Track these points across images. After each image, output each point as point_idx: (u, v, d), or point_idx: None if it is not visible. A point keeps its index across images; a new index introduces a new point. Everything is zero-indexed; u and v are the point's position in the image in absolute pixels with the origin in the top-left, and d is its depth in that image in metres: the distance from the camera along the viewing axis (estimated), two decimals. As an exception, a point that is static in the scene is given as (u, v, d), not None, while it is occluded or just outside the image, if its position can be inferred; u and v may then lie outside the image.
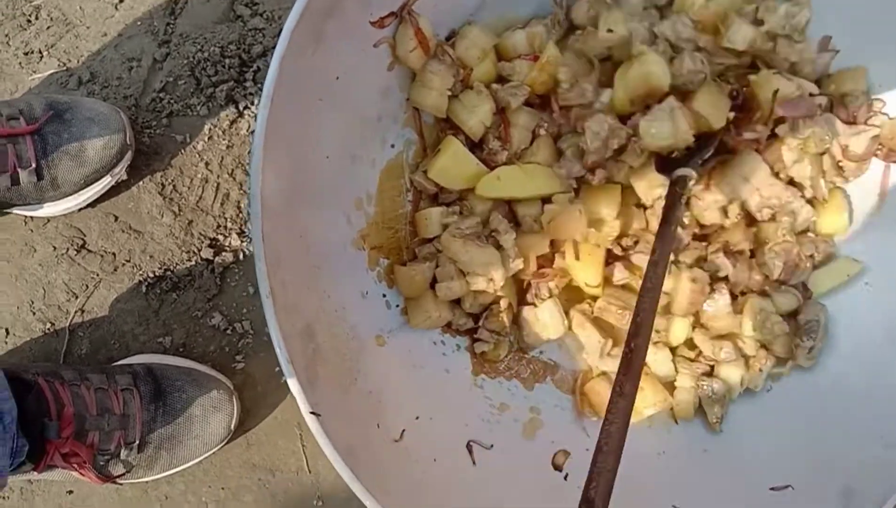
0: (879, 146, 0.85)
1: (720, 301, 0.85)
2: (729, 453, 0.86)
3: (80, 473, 0.83)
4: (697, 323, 0.88)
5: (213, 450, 0.91)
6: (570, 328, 0.89)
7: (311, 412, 0.62)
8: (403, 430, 0.74)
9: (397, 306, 0.84)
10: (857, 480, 0.78)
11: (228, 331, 0.97)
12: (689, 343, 0.90)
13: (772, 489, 0.81)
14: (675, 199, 0.75)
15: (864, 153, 0.84)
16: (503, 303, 0.86)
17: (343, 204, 0.79)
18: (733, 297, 0.86)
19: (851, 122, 0.85)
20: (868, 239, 0.88)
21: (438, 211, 0.84)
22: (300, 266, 0.70)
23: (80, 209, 0.95)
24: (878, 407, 0.82)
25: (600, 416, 0.87)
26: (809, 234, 0.89)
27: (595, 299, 0.88)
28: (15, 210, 0.93)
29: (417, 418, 0.77)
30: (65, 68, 0.99)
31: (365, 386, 0.74)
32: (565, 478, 0.82)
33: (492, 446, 0.81)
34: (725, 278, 0.86)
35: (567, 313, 0.89)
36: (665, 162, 0.80)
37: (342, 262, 0.78)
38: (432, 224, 0.85)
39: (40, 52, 1.00)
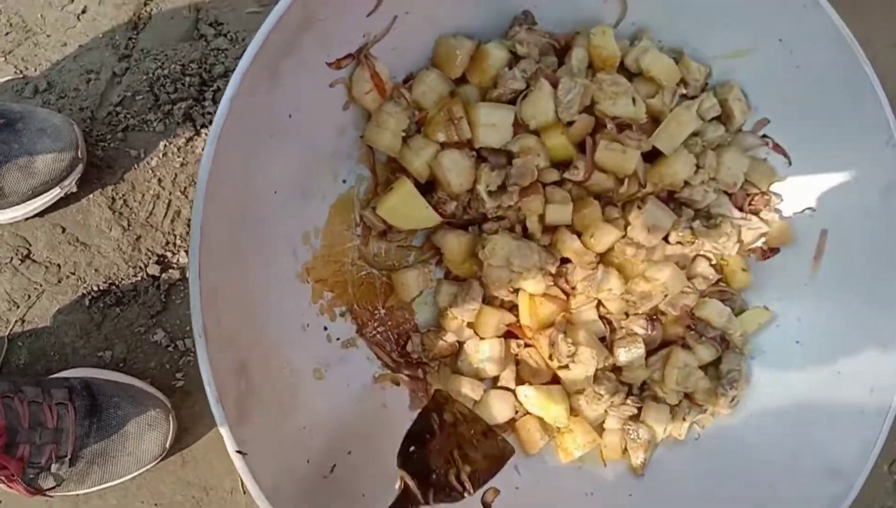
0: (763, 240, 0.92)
1: (634, 352, 0.88)
2: (654, 498, 0.89)
3: (8, 486, 0.83)
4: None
5: (147, 467, 0.91)
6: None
7: (238, 451, 0.62)
8: (335, 465, 0.75)
9: (338, 339, 0.85)
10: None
11: (170, 348, 0.97)
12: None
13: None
14: None
15: (748, 243, 0.91)
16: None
17: (289, 238, 0.80)
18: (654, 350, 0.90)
19: (744, 210, 0.91)
20: (803, 302, 0.91)
21: (415, 274, 0.88)
22: (239, 300, 0.70)
23: (27, 219, 0.95)
24: (801, 463, 0.85)
25: (528, 454, 0.89)
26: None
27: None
28: (-40, 216, 0.92)
29: (349, 452, 0.78)
30: (21, 76, 0.98)
31: (299, 421, 0.74)
32: (494, 517, 0.83)
33: (424, 482, 0.83)
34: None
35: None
36: None
37: (285, 295, 0.79)
38: (409, 288, 0.88)
39: (-3, 57, 0.99)
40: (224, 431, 0.62)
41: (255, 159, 0.72)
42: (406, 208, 0.84)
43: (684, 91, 0.88)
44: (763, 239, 0.93)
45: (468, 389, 0.88)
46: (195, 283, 0.62)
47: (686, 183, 0.87)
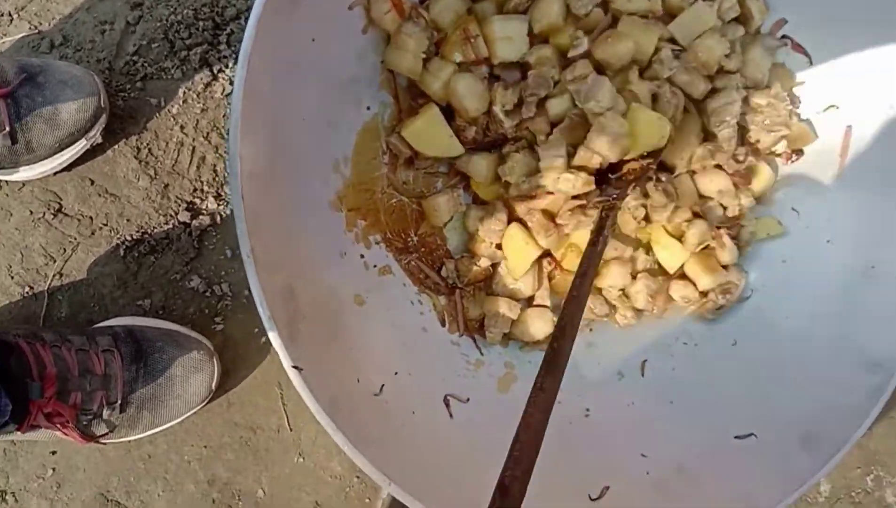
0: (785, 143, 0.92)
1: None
2: (694, 404, 0.90)
3: (64, 433, 0.85)
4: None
5: (195, 410, 0.93)
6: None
7: (294, 367, 0.64)
8: (383, 385, 0.77)
9: (375, 266, 0.86)
10: (817, 425, 0.82)
11: (207, 293, 0.98)
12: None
13: (736, 437, 0.85)
14: (604, 223, 0.79)
15: (768, 146, 0.91)
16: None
17: (320, 166, 0.80)
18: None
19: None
20: (832, 201, 0.91)
21: (445, 199, 0.88)
22: (279, 227, 0.71)
23: (55, 173, 0.95)
24: (835, 356, 0.86)
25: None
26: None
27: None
28: (-10, 175, 0.93)
29: (396, 373, 0.80)
30: (36, 31, 0.98)
31: (345, 343, 0.76)
32: (539, 429, 0.85)
33: (468, 399, 0.84)
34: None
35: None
36: (601, 177, 0.83)
37: (320, 223, 0.79)
38: (441, 213, 0.88)
39: (10, 14, 0.99)
40: (279, 348, 0.64)
41: (284, 86, 0.72)
42: (431, 133, 0.84)
43: None
44: (784, 142, 0.92)
45: (505, 309, 0.89)
46: (239, 206, 0.63)
47: (721, 69, 0.86)
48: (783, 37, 0.91)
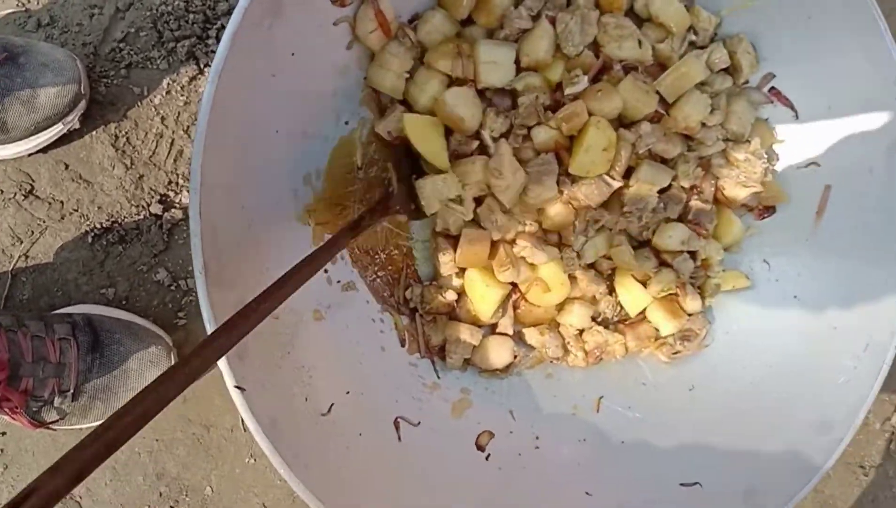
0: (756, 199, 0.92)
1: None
2: (645, 446, 0.90)
3: (12, 418, 0.85)
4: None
5: (149, 404, 0.92)
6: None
7: (236, 387, 0.63)
8: (332, 404, 0.77)
9: (338, 281, 0.85)
10: (763, 481, 0.83)
11: (172, 287, 0.98)
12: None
13: (682, 484, 0.85)
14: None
15: (741, 201, 0.91)
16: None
17: (291, 178, 0.79)
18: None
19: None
20: (803, 257, 0.91)
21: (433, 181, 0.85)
22: (239, 239, 0.70)
23: (30, 154, 0.95)
24: (788, 412, 0.87)
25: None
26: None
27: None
28: (-37, 151, 0.92)
29: (348, 393, 0.80)
30: (24, 9, 0.97)
31: (297, 360, 0.75)
32: (486, 458, 0.85)
33: (419, 423, 0.84)
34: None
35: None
36: None
37: (286, 236, 0.79)
38: (430, 201, 0.85)
39: (-1, -12, 0.98)
40: (224, 367, 0.63)
41: (256, 99, 0.71)
42: (429, 132, 0.83)
43: (694, 38, 0.86)
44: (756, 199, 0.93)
45: (467, 335, 0.88)
46: (196, 221, 0.62)
47: (703, 124, 0.86)
48: (771, 89, 0.91)
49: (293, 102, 0.76)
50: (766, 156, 0.88)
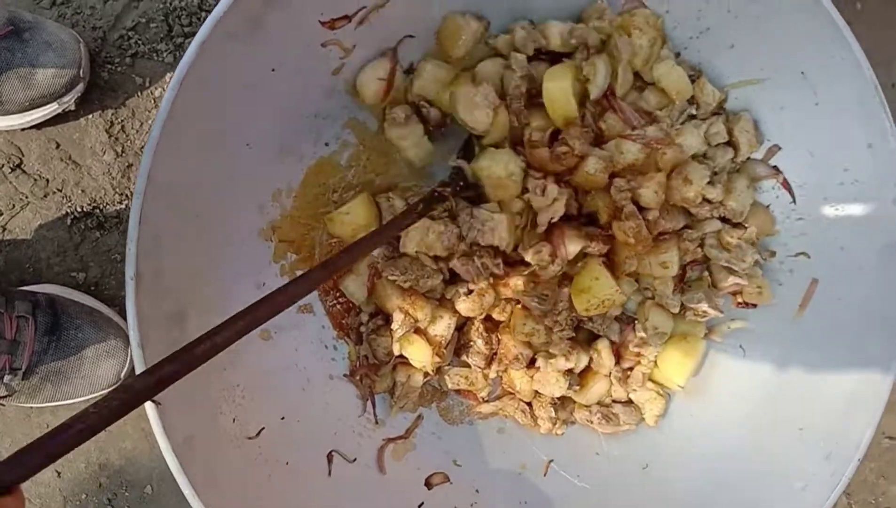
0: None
1: None
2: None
3: (-43, 388, 0.85)
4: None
5: (100, 393, 0.92)
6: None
7: (151, 400, 0.62)
8: (262, 428, 0.75)
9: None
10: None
11: (144, 281, 0.97)
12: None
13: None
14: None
15: (724, 288, 0.89)
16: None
17: (258, 193, 0.78)
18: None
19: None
20: (782, 345, 0.87)
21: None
22: (187, 247, 0.69)
23: (23, 129, 0.95)
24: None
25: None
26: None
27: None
28: (-43, 117, 0.93)
29: (283, 418, 0.78)
30: (41, -15, 0.98)
31: (233, 378, 0.74)
32: (419, 506, 0.82)
33: (355, 460, 0.82)
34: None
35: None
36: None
37: (241, 252, 0.77)
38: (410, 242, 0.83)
39: (21, -38, 0.99)
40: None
41: (228, 108, 0.70)
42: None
43: (693, 112, 0.83)
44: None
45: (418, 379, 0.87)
46: (134, 227, 0.61)
47: (704, 199, 0.83)
48: (775, 167, 0.87)
49: (269, 118, 0.75)
50: (756, 250, 0.85)
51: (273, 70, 0.72)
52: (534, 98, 0.83)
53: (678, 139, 0.81)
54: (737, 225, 0.87)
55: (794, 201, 0.86)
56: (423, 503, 0.83)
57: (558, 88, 0.79)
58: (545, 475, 0.89)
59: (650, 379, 0.89)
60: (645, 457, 0.89)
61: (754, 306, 0.87)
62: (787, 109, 0.83)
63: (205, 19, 0.96)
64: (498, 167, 0.79)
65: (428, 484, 0.85)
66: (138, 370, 0.62)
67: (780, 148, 0.86)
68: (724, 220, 0.87)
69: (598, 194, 0.82)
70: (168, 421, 0.63)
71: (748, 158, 0.87)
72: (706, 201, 0.85)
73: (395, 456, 0.85)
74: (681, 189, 0.81)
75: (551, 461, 0.89)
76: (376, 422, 0.85)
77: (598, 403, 0.91)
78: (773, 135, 0.85)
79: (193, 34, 0.97)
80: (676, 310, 0.87)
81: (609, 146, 0.81)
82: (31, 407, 0.95)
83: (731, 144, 0.85)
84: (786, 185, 0.86)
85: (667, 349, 0.88)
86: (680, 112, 0.82)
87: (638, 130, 0.82)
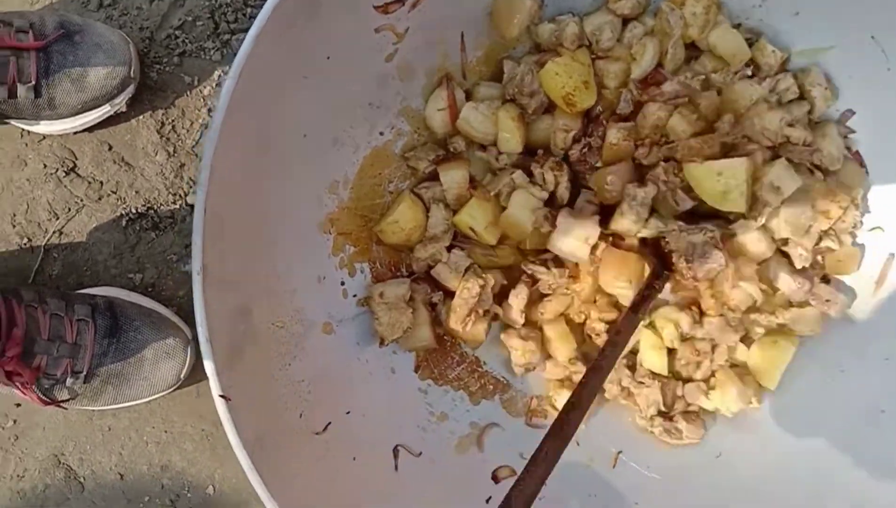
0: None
1: None
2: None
3: (23, 392, 0.85)
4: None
5: (160, 395, 0.91)
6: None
7: (221, 396, 0.61)
8: (329, 423, 0.74)
9: (355, 295, 0.82)
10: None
11: (199, 280, 0.97)
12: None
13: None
14: (651, 293, 0.76)
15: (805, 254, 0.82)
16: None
17: (316, 184, 0.77)
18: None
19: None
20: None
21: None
22: (249, 244, 0.68)
23: (76, 133, 0.95)
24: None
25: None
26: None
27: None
28: (13, 122, 0.93)
29: (348, 412, 0.77)
30: (88, -12, 0.98)
31: (297, 373, 0.73)
32: (487, 501, 0.80)
33: (420, 454, 0.80)
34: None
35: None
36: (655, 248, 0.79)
37: (303, 242, 0.77)
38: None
39: (68, -33, 1.00)
40: (210, 373, 0.61)
41: (286, 98, 0.69)
42: None
43: (749, 74, 0.80)
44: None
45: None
46: (200, 219, 0.60)
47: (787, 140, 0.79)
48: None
49: (325, 107, 0.74)
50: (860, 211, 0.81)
51: (328, 58, 0.71)
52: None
53: (727, 93, 0.78)
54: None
55: (868, 173, 0.82)
56: (490, 497, 0.81)
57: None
58: (614, 466, 0.86)
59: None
60: (718, 446, 0.86)
61: (828, 281, 0.83)
62: (856, 77, 0.80)
63: (251, 15, 0.97)
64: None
65: (495, 478, 0.83)
66: (206, 367, 0.61)
67: (853, 112, 0.82)
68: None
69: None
70: (238, 418, 0.62)
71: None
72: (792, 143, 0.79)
73: (459, 450, 0.84)
74: (756, 122, 0.77)
75: (620, 452, 0.87)
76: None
77: (661, 414, 0.88)
78: (842, 104, 0.82)
79: (240, 31, 0.97)
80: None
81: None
82: (94, 410, 0.95)
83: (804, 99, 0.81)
84: (857, 156, 0.83)
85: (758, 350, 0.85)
86: (734, 74, 0.79)
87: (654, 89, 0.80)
